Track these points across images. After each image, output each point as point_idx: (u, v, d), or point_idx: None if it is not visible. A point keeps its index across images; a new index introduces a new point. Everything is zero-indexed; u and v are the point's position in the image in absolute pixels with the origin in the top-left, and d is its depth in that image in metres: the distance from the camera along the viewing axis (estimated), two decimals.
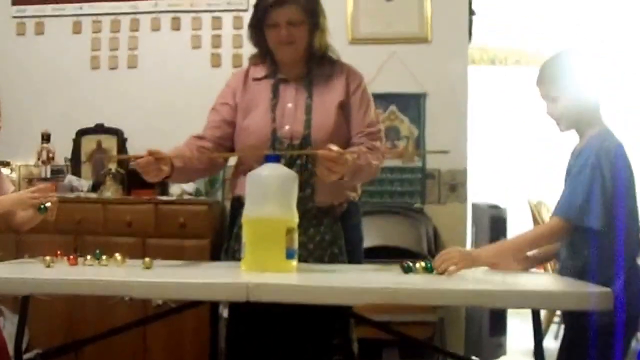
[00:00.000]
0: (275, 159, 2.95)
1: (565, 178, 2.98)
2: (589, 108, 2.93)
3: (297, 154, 3.29)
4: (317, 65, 3.44)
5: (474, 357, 5.17)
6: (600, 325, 2.73)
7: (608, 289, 2.47)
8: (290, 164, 3.21)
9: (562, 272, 2.95)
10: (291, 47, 3.35)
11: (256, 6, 3.41)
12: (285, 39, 3.32)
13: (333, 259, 3.34)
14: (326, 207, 3.37)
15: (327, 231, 3.38)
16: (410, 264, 2.90)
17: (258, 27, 3.40)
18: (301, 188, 3.08)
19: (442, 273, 2.82)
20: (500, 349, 5.37)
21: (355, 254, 3.48)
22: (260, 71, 3.49)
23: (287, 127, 3.34)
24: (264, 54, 3.46)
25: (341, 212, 3.43)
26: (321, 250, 3.35)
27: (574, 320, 2.89)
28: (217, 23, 5.66)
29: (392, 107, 5.37)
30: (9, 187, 3.47)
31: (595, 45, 8.88)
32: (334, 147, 3.04)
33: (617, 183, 2.82)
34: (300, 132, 3.33)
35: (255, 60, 3.52)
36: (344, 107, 3.41)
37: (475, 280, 2.81)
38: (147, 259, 2.98)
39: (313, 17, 3.37)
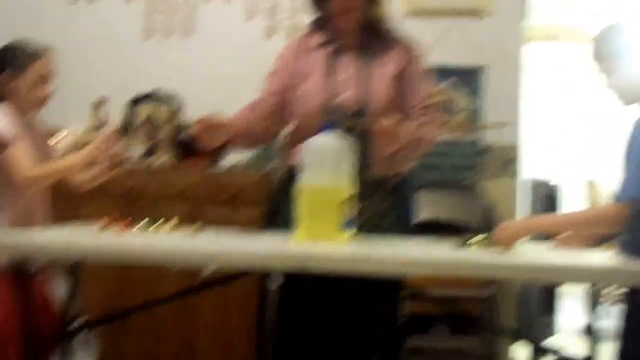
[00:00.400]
0: (332, 127, 2.93)
1: (627, 153, 2.88)
2: None
3: (353, 125, 3.26)
4: (375, 35, 3.43)
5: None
6: None
7: None
8: (347, 134, 3.14)
9: (621, 249, 2.88)
10: (350, 15, 3.33)
11: None
12: (345, 5, 3.30)
13: (386, 231, 3.32)
14: (380, 178, 3.36)
15: (380, 203, 3.37)
16: (466, 238, 2.87)
17: None
18: (357, 158, 3.07)
19: (502, 248, 2.78)
20: (551, 328, 5.33)
21: (408, 227, 3.48)
22: (316, 40, 3.46)
23: (342, 96, 3.33)
24: (322, 23, 3.45)
25: (395, 184, 3.42)
26: (374, 222, 3.34)
27: (631, 302, 2.84)
28: None
29: (449, 81, 5.31)
30: (51, 140, 3.48)
31: None
32: (389, 121, 3.09)
33: None
34: (356, 102, 3.32)
35: (312, 28, 3.50)
36: (400, 79, 3.40)
37: (532, 255, 2.78)
38: (197, 226, 2.97)
39: None
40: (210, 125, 3.22)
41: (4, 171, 3.16)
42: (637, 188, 2.71)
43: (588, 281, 2.60)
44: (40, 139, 3.40)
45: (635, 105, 2.89)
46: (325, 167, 2.82)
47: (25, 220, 3.23)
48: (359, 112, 3.32)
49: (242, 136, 3.42)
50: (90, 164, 3.26)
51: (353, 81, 3.36)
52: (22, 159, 3.14)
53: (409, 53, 3.47)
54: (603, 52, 2.88)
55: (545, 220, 2.93)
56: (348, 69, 3.38)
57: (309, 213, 2.80)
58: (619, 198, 2.77)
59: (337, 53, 3.41)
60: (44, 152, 3.37)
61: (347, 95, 3.33)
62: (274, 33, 5.55)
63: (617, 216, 2.74)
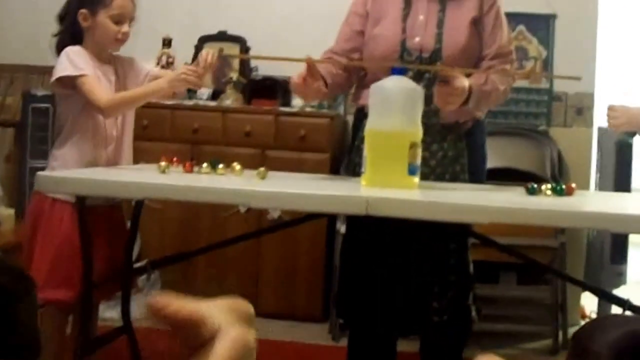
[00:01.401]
0: (401, 71, 2.89)
1: None
2: None
3: (425, 69, 3.20)
4: None
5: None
6: None
7: None
8: (417, 78, 3.15)
9: None
10: None
11: None
12: None
13: (455, 177, 3.28)
14: (451, 123, 3.30)
15: (450, 148, 3.32)
16: (535, 186, 2.82)
17: None
18: (427, 102, 3.04)
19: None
20: (621, 277, 5.25)
21: (478, 173, 3.42)
22: None
23: (417, 39, 3.26)
24: None
25: (466, 130, 3.36)
26: (443, 168, 3.30)
27: None
28: None
29: (521, 27, 5.21)
30: (143, 67, 3.49)
31: None
32: (456, 78, 3.02)
33: None
34: (431, 45, 3.26)
35: None
36: (476, 24, 3.32)
37: (600, 204, 2.74)
38: (262, 169, 2.96)
39: None
40: (313, 69, 3.17)
41: (80, 102, 3.20)
42: None
43: None
44: (126, 72, 3.41)
45: None
46: (393, 110, 2.78)
47: (100, 155, 3.27)
48: (433, 55, 3.26)
49: (332, 84, 3.34)
50: (174, 87, 3.26)
51: (428, 25, 3.28)
52: (97, 87, 3.16)
53: (486, 1, 3.35)
54: None
55: None
56: (423, 12, 3.30)
57: (375, 157, 2.77)
58: None
59: None
60: (133, 84, 3.38)
61: (421, 39, 3.27)
62: None
63: None
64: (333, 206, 2.59)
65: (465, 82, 3.09)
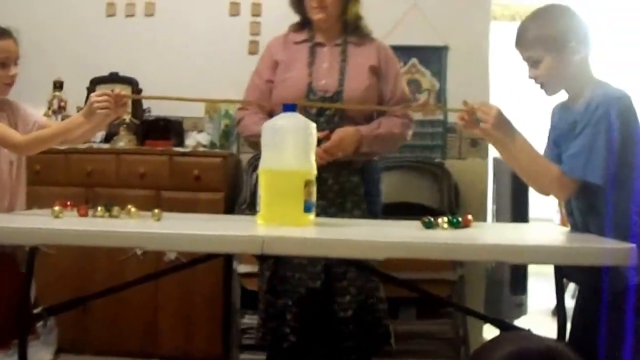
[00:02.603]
0: (293, 108, 2.85)
1: (554, 133, 2.92)
2: (574, 66, 2.78)
3: (324, 106, 3.57)
4: (352, 33, 3.76)
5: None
6: (615, 286, 2.65)
7: (630, 245, 2.40)
8: (318, 115, 3.56)
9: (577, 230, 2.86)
10: (324, 12, 3.65)
11: None
12: (319, 3, 3.63)
13: (353, 206, 3.62)
14: (347, 159, 3.58)
15: (345, 181, 3.64)
16: (432, 219, 2.81)
17: None
18: (326, 137, 3.44)
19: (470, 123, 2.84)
20: (521, 308, 5.31)
21: (374, 207, 3.74)
22: (299, 36, 3.79)
23: (322, 82, 3.66)
24: (303, 22, 3.79)
25: (360, 166, 3.70)
26: (341, 199, 3.62)
27: (589, 282, 2.80)
28: None
29: (413, 60, 5.25)
30: (32, 113, 3.41)
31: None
32: (335, 135, 3.50)
33: (630, 133, 2.70)
34: (334, 87, 3.65)
35: (294, 28, 3.82)
36: (375, 72, 3.73)
37: (496, 236, 2.74)
38: (156, 211, 2.90)
39: None
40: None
41: None
42: (587, 169, 2.68)
43: (549, 262, 2.56)
44: (16, 118, 3.34)
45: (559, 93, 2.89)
46: (287, 148, 2.74)
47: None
48: (335, 96, 3.64)
49: None
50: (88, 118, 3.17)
51: (331, 70, 3.69)
52: (5, 127, 3.13)
53: (384, 50, 3.81)
54: (523, 42, 2.83)
55: (519, 138, 2.86)
56: (327, 60, 3.72)
57: (270, 196, 2.73)
58: (567, 169, 2.74)
59: (318, 46, 3.74)
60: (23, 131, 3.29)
61: (326, 81, 3.66)
62: (237, 12, 5.43)
63: (559, 183, 2.75)
64: (229, 246, 2.53)
65: (346, 132, 3.54)
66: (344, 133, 3.55)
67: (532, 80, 2.86)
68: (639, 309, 2.67)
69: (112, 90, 3.14)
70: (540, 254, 2.48)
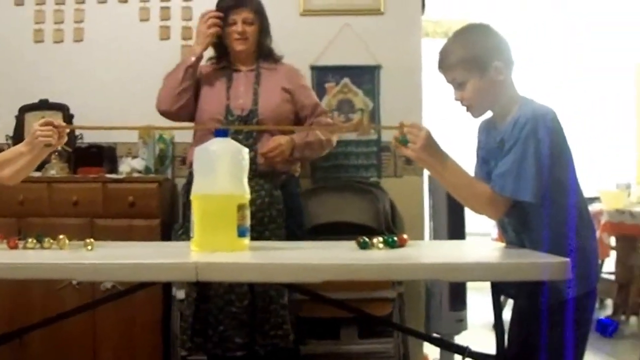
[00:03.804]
0: (224, 133, 2.83)
1: (483, 152, 2.95)
2: (499, 86, 2.80)
3: (247, 129, 4.04)
4: (265, 60, 4.28)
5: (435, 334, 5.10)
6: (551, 299, 2.68)
7: (565, 259, 2.41)
8: (237, 132, 4.00)
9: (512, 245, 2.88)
10: (246, 42, 4.19)
11: (217, 6, 4.24)
12: (241, 34, 4.17)
13: (273, 220, 4.03)
14: (268, 171, 4.06)
15: (266, 195, 4.04)
16: (367, 240, 2.80)
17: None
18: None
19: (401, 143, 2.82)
20: (461, 323, 5.30)
21: (295, 221, 4.18)
22: (218, 65, 4.32)
23: (239, 101, 4.13)
24: (221, 55, 4.31)
25: (281, 182, 4.14)
26: (261, 213, 3.98)
27: (526, 296, 2.82)
28: None
29: (346, 80, 5.25)
30: None
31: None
32: (272, 143, 4.02)
33: (561, 147, 2.74)
34: (249, 106, 4.12)
35: (212, 60, 4.35)
36: (287, 92, 4.23)
37: (432, 254, 2.74)
38: (89, 240, 2.85)
39: (262, 19, 4.25)
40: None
41: None
42: (518, 187, 2.70)
43: (486, 279, 2.56)
44: None
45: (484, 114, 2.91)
46: (219, 173, 2.72)
47: None
48: (251, 114, 4.11)
49: None
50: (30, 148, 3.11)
51: (247, 92, 4.17)
52: None
53: (294, 72, 4.36)
54: (446, 65, 2.85)
55: (449, 157, 2.85)
56: (243, 84, 4.21)
57: (203, 221, 2.71)
58: (497, 188, 2.74)
59: (235, 72, 4.25)
60: None
61: (242, 101, 4.14)
62: (168, 36, 5.40)
63: (490, 202, 2.76)
64: (162, 275, 2.49)
65: (281, 139, 4.05)
66: (280, 139, 4.05)
67: (459, 103, 2.87)
68: (577, 322, 2.70)
69: (43, 117, 3.11)
70: (476, 272, 2.48)
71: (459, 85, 2.82)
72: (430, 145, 2.79)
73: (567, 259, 2.42)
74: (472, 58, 2.78)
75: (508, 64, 2.81)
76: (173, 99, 4.17)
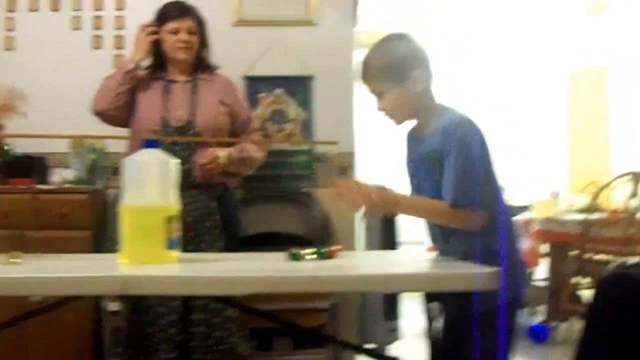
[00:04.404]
0: (154, 144, 2.80)
1: (412, 164, 2.94)
2: (419, 95, 2.83)
3: (183, 141, 4.04)
4: (201, 71, 4.27)
5: (366, 345, 5.12)
6: (481, 308, 2.69)
7: (495, 269, 2.42)
8: (174, 144, 3.99)
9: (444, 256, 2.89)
10: (189, 51, 4.20)
11: (159, 14, 4.23)
12: (186, 43, 4.17)
13: (208, 232, 4.08)
14: (204, 183, 4.08)
15: (203, 206, 4.09)
16: (297, 251, 2.79)
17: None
18: (183, 162, 3.63)
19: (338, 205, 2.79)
20: (395, 333, 5.33)
21: (231, 232, 4.21)
22: (154, 75, 4.27)
23: (176, 113, 4.12)
24: (157, 65, 4.28)
25: (218, 193, 4.19)
26: (198, 224, 4.02)
27: (456, 304, 2.84)
28: (98, 4, 5.40)
29: (279, 90, 5.26)
30: None
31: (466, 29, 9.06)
32: (209, 155, 4.04)
33: (488, 158, 2.77)
34: (186, 117, 4.12)
35: (149, 70, 4.29)
36: (225, 104, 4.24)
37: (362, 266, 2.74)
38: (16, 252, 2.81)
39: (203, 31, 4.26)
40: None
41: None
42: (468, 195, 2.71)
43: (416, 289, 2.58)
44: None
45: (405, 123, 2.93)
46: (148, 184, 2.69)
47: None
48: (187, 125, 4.11)
49: None
50: None
51: (183, 103, 4.16)
52: None
53: (230, 86, 4.37)
54: (368, 75, 2.87)
55: (400, 198, 2.86)
56: (179, 94, 4.19)
57: (132, 233, 2.66)
58: (451, 202, 2.75)
59: (172, 83, 4.22)
60: None
61: (179, 112, 4.13)
62: (100, 45, 5.35)
63: (453, 217, 2.75)
64: (87, 288, 2.44)
65: (219, 152, 4.08)
66: (218, 152, 4.08)
67: (381, 113, 2.88)
68: (507, 329, 2.72)
69: None
70: (406, 283, 2.49)
71: (379, 95, 2.84)
72: (377, 203, 2.79)
73: (498, 269, 2.43)
74: (391, 68, 2.80)
75: (427, 73, 2.84)
76: (110, 99, 4.14)
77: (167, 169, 2.75)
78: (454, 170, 2.72)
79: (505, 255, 2.73)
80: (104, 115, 4.18)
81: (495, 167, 2.79)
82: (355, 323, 5.21)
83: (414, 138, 2.95)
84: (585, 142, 9.21)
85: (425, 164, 2.83)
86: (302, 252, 2.80)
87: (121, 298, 4.05)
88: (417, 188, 2.89)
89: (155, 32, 4.19)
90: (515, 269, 2.78)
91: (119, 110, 4.16)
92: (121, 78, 4.15)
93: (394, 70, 2.79)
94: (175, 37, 4.17)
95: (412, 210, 2.86)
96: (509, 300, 2.72)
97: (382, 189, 2.82)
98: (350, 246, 5.02)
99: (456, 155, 2.71)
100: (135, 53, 4.22)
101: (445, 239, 2.86)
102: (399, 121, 2.89)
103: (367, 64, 2.86)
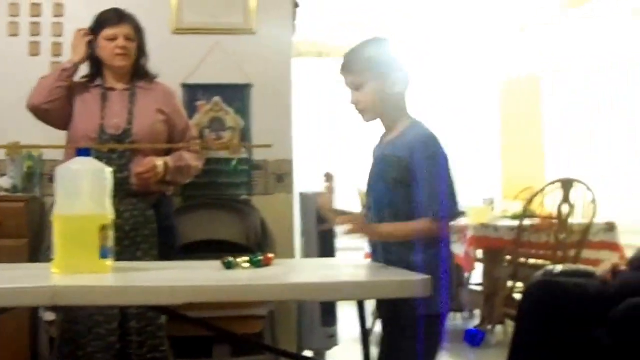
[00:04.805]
0: (87, 152, 2.79)
1: (376, 170, 2.98)
2: (394, 97, 2.91)
3: (121, 148, 4.04)
4: (139, 79, 4.25)
5: (307, 350, 5.16)
6: (408, 315, 2.75)
7: (426, 276, 2.46)
8: (111, 152, 4.03)
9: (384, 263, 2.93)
10: (127, 58, 4.17)
11: (96, 21, 4.20)
12: (123, 50, 4.14)
13: (145, 240, 4.06)
14: (141, 192, 4.08)
15: (140, 215, 4.07)
16: (231, 260, 2.81)
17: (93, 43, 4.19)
18: (120, 170, 3.95)
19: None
20: (333, 339, 5.36)
21: (168, 240, 4.19)
22: (91, 83, 4.25)
23: (114, 121, 4.10)
24: (95, 73, 4.26)
25: (154, 201, 4.16)
26: (134, 232, 4.03)
27: (390, 311, 2.89)
28: (35, 10, 5.37)
29: (217, 99, 5.26)
30: None
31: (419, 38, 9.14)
32: (146, 163, 4.03)
33: (449, 170, 2.84)
34: (124, 125, 4.11)
35: (87, 78, 4.28)
36: (163, 113, 4.23)
37: (297, 274, 2.76)
38: None
39: (141, 39, 4.26)
40: None
41: None
42: (437, 204, 2.78)
43: (349, 298, 2.60)
44: None
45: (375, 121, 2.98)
46: (81, 193, 2.68)
47: None
48: (124, 133, 4.10)
49: None
50: None
51: (121, 111, 4.15)
52: None
53: (169, 94, 4.35)
54: (349, 67, 2.94)
55: (380, 228, 2.91)
56: (117, 103, 4.17)
57: (65, 243, 2.65)
58: (424, 214, 2.80)
59: (109, 91, 4.20)
60: None
61: (116, 120, 4.11)
62: (37, 52, 5.32)
63: (431, 230, 2.80)
64: (16, 299, 2.41)
65: (157, 161, 4.08)
66: (155, 160, 4.08)
67: (353, 106, 2.94)
68: (427, 338, 2.77)
69: None
70: (339, 291, 2.49)
71: (356, 88, 2.90)
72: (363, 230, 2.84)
73: (429, 277, 2.47)
74: (376, 63, 2.88)
75: (405, 79, 2.92)
76: (46, 94, 4.12)
77: (101, 177, 2.74)
78: (427, 185, 2.79)
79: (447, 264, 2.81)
80: (38, 110, 4.15)
81: (454, 181, 2.87)
82: (294, 329, 5.23)
83: (381, 145, 3.01)
84: (519, 150, 9.36)
85: (382, 164, 2.92)
86: (236, 260, 2.82)
87: (55, 307, 4.02)
88: (369, 187, 2.97)
89: (91, 34, 4.19)
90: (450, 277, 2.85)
91: (53, 105, 4.13)
92: (58, 75, 4.15)
93: (378, 65, 2.88)
94: (113, 44, 4.15)
95: (392, 236, 2.90)
96: (438, 308, 2.79)
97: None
98: (289, 253, 5.05)
99: (429, 173, 2.78)
100: (72, 56, 4.22)
101: (388, 249, 2.90)
102: (368, 117, 2.95)
103: (352, 56, 2.94)
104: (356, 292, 2.54)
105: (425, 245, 2.80)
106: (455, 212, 2.83)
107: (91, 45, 4.20)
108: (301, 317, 5.25)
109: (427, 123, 2.93)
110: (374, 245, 2.99)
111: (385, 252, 2.91)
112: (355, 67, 2.91)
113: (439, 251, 2.82)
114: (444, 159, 2.82)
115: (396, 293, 2.52)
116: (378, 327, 2.98)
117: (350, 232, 2.80)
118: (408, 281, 2.50)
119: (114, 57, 4.16)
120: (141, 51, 4.28)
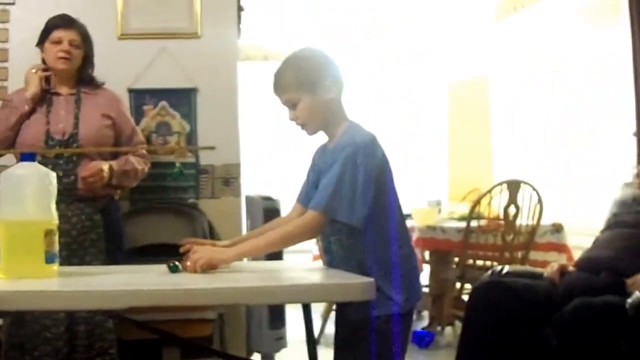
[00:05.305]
0: (31, 157, 2.80)
1: (314, 174, 3.03)
2: (330, 104, 2.93)
3: (66, 152, 4.06)
4: (86, 85, 4.29)
5: (256, 352, 5.17)
6: (357, 316, 2.79)
7: (370, 279, 2.50)
8: (58, 157, 4.05)
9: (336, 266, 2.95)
10: (69, 62, 4.18)
11: (45, 26, 4.22)
12: (66, 54, 4.15)
13: (92, 244, 4.09)
14: (88, 196, 4.10)
15: (87, 219, 4.10)
16: (177, 264, 2.82)
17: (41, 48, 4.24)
18: (67, 175, 4.03)
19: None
20: (282, 341, 5.37)
21: (116, 245, 4.24)
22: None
23: (60, 125, 4.13)
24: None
25: (101, 205, 4.20)
26: (82, 237, 4.06)
27: (341, 312, 2.93)
28: None
29: (163, 103, 5.26)
30: None
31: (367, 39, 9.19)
32: (92, 167, 4.04)
33: (380, 173, 2.84)
34: (70, 130, 4.13)
35: None
36: (109, 117, 4.27)
37: (242, 278, 2.78)
38: None
39: (88, 47, 4.28)
40: None
41: None
42: (322, 200, 2.79)
43: (293, 301, 2.63)
44: None
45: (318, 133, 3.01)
46: (25, 198, 2.69)
47: None
48: (71, 138, 4.12)
49: None
50: None
51: (67, 116, 4.16)
52: None
53: (115, 100, 4.40)
54: (281, 87, 2.95)
55: (243, 247, 2.92)
56: (63, 108, 4.19)
57: (10, 248, 2.65)
58: (310, 206, 2.84)
59: (55, 96, 4.23)
60: None
61: (62, 125, 4.13)
62: None
63: (308, 226, 2.82)
64: None
65: (102, 164, 4.09)
66: (101, 165, 4.09)
67: (293, 122, 2.96)
68: (380, 338, 2.80)
69: None
70: (284, 295, 2.53)
71: (292, 105, 2.92)
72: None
73: (372, 280, 2.51)
74: (304, 77, 2.89)
75: (337, 83, 2.93)
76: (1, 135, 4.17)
77: (45, 182, 2.74)
78: (326, 180, 2.81)
79: (401, 267, 2.83)
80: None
81: (390, 183, 2.88)
82: (243, 332, 5.24)
83: (323, 149, 3.04)
84: (466, 152, 9.41)
85: (320, 175, 2.93)
86: (182, 264, 2.83)
87: (1, 313, 4.01)
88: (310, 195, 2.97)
89: (45, 70, 4.23)
90: (409, 280, 2.89)
91: (7, 141, 4.19)
92: (15, 120, 4.16)
93: (306, 79, 2.89)
94: (57, 47, 4.18)
95: (252, 252, 2.93)
96: (405, 310, 2.83)
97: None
98: None
99: (335, 169, 2.79)
100: (27, 92, 4.21)
101: (343, 252, 2.92)
102: (311, 130, 2.97)
103: (280, 76, 2.95)
104: (298, 296, 2.56)
105: (376, 245, 2.82)
106: (346, 215, 2.78)
107: (47, 80, 4.26)
108: (249, 319, 5.26)
109: (364, 125, 2.95)
110: (327, 245, 3.00)
111: (341, 252, 2.93)
112: (285, 85, 2.92)
113: (393, 251, 2.84)
114: (366, 161, 2.79)
115: (338, 296, 2.57)
116: (329, 329, 2.99)
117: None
118: (349, 284, 2.54)
119: (56, 60, 4.18)
120: (87, 60, 4.31)
